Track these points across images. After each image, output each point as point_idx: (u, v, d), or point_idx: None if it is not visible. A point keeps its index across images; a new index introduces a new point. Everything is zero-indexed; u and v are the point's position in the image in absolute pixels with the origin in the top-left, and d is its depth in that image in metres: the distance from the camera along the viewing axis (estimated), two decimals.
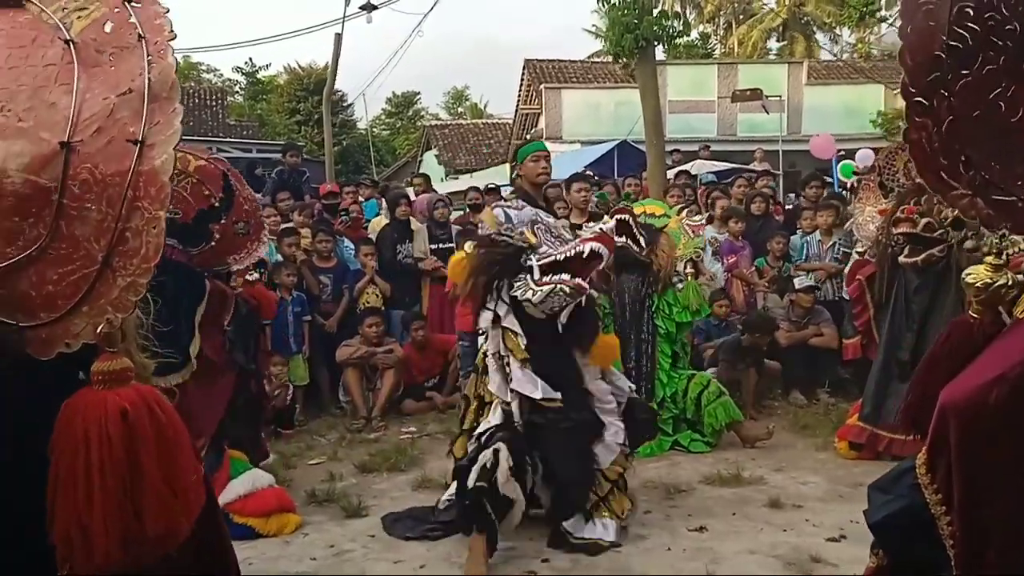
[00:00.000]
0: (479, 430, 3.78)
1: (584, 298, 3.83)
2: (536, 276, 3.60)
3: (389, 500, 4.60)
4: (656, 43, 10.14)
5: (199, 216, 4.07)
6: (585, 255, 3.60)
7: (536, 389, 3.65)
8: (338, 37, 15.23)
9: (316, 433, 6.15)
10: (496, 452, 3.57)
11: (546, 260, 3.64)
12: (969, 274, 1.71)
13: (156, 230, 1.07)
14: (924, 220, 4.73)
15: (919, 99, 1.58)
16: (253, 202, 4.30)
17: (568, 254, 3.63)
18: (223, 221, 4.11)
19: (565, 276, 3.56)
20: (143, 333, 1.24)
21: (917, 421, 1.58)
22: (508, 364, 3.70)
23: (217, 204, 4.06)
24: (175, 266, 4.05)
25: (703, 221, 6.40)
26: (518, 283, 3.63)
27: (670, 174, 10.48)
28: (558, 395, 3.71)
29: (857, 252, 5.87)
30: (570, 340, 3.88)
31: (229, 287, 4.30)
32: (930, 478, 1.52)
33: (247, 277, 4.54)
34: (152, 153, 1.08)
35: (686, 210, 5.77)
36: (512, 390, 3.69)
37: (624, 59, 10.07)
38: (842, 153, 12.77)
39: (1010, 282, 1.65)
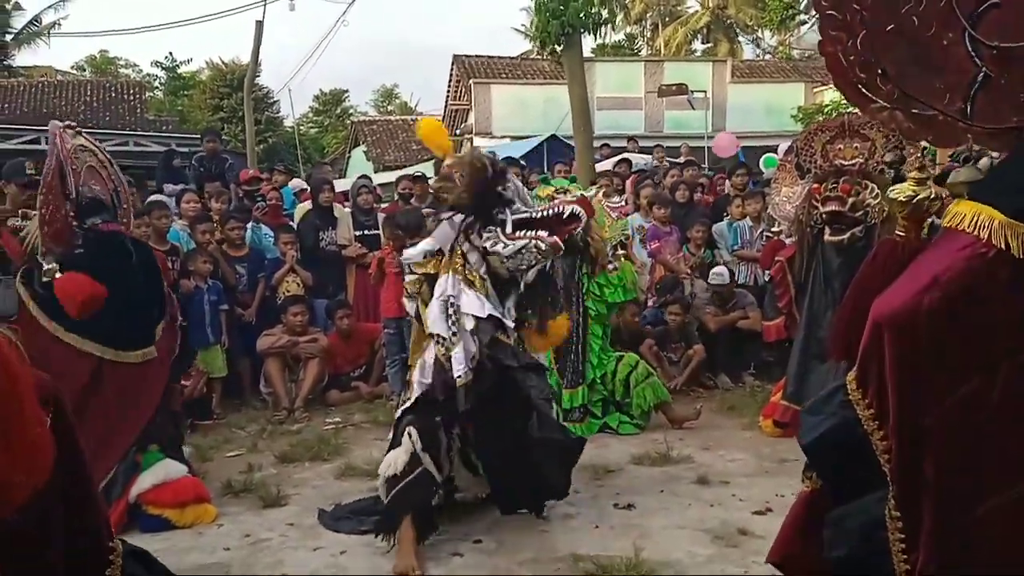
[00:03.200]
0: (397, 412, 3.63)
1: (550, 267, 3.69)
2: (508, 230, 3.39)
3: (311, 489, 4.42)
4: (582, 31, 10.16)
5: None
6: (564, 216, 3.43)
7: (483, 308, 3.38)
8: (259, 24, 14.83)
9: (235, 426, 5.87)
10: (409, 435, 3.44)
11: (520, 216, 3.43)
12: (894, 190, 1.71)
13: None
14: (850, 200, 4.82)
15: (831, 12, 1.62)
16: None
17: (545, 213, 3.43)
18: None
19: (542, 232, 3.36)
20: None
21: (848, 345, 1.56)
22: (456, 303, 3.41)
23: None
24: (121, 238, 3.89)
25: (623, 203, 6.37)
26: (488, 234, 3.40)
27: (609, 163, 10.52)
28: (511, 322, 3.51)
29: (771, 232, 5.92)
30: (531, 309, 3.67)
31: None
32: (861, 393, 1.52)
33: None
34: None
35: (601, 192, 5.69)
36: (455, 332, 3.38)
37: (551, 46, 10.06)
38: (741, 147, 13.21)
39: (933, 195, 1.66)
